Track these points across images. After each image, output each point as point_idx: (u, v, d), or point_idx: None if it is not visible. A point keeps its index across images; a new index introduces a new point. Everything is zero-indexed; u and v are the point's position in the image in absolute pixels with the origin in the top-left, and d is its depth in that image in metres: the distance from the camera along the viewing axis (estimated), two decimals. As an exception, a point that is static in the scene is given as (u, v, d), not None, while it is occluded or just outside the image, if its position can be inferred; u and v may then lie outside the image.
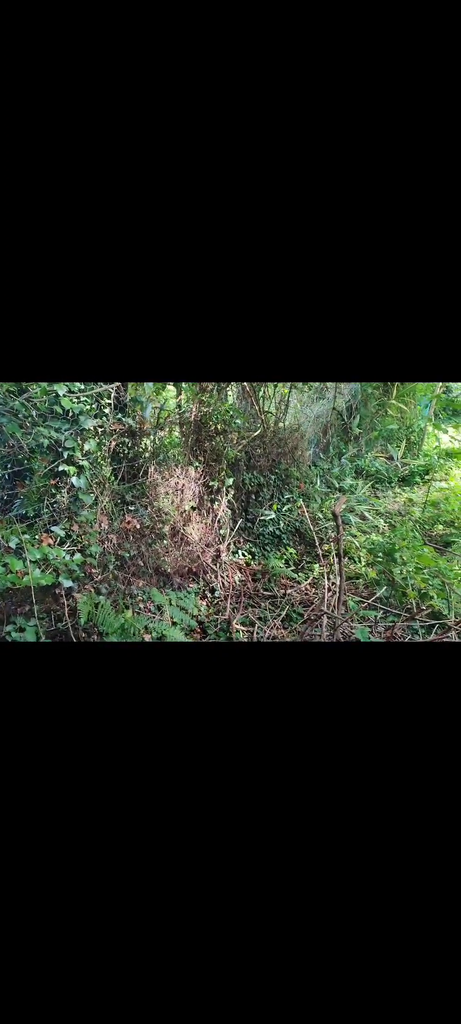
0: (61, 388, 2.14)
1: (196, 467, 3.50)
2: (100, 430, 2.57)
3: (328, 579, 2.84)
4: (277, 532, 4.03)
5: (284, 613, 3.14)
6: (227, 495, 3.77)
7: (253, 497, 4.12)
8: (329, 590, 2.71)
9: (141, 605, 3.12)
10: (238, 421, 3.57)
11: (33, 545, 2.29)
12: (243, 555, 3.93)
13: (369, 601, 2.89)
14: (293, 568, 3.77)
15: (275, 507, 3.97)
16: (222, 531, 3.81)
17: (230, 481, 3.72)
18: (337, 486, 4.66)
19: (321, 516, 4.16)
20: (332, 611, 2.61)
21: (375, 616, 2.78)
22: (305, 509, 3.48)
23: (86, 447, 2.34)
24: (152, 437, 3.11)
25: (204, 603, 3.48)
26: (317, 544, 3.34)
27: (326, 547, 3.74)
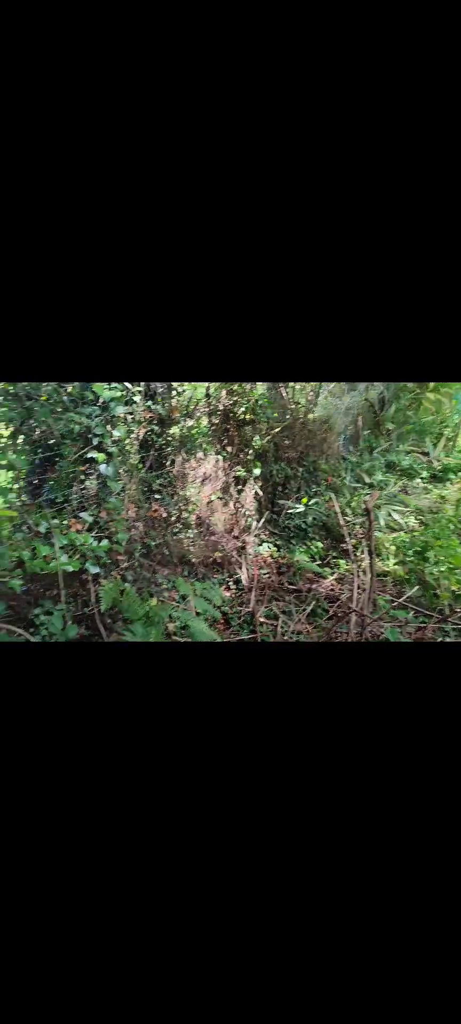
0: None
1: (224, 457, 3.46)
2: (130, 417, 2.56)
3: (357, 576, 2.76)
4: (303, 525, 3.96)
5: (309, 608, 3.08)
6: (254, 486, 3.71)
7: (280, 489, 4.05)
8: (359, 587, 2.63)
9: (166, 594, 3.13)
10: (268, 411, 3.50)
11: (61, 531, 2.31)
12: (268, 547, 3.87)
13: (400, 600, 2.80)
14: (319, 563, 3.69)
15: (305, 500, 3.89)
16: (248, 522, 3.76)
17: (257, 472, 3.67)
18: (367, 480, 4.54)
19: (350, 511, 4.06)
20: (361, 609, 2.54)
21: (405, 616, 2.69)
22: (336, 503, 3.39)
23: (115, 434, 2.33)
24: (180, 425, 3.09)
25: (228, 594, 3.46)
26: (346, 539, 3.26)
27: (354, 542, 3.64)
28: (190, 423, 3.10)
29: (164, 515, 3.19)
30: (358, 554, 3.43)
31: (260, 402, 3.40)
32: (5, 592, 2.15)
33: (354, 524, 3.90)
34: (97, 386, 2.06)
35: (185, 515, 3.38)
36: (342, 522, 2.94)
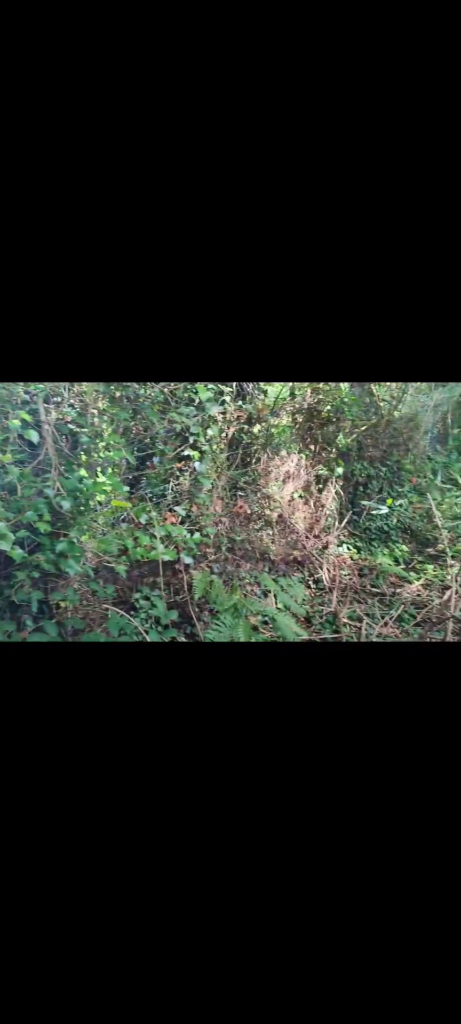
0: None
1: (306, 456, 3.47)
2: (220, 417, 2.68)
3: (456, 581, 2.63)
4: (385, 527, 3.83)
5: (397, 613, 2.99)
6: (335, 485, 3.67)
7: (361, 489, 3.95)
8: (457, 593, 2.51)
9: (248, 588, 3.21)
10: (354, 409, 3.45)
11: (158, 523, 2.48)
12: (348, 548, 3.81)
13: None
14: (403, 566, 3.56)
15: (390, 502, 3.77)
16: (328, 521, 3.73)
17: (340, 470, 3.62)
18: (460, 481, 4.27)
19: (439, 514, 3.85)
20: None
21: None
22: (432, 504, 3.25)
23: (209, 432, 2.45)
24: (265, 424, 3.15)
25: (308, 593, 3.46)
26: (437, 543, 3.11)
27: (441, 547, 3.45)
28: (275, 421, 3.16)
29: (248, 511, 3.27)
30: (450, 559, 3.25)
31: (345, 399, 3.36)
32: (111, 576, 2.36)
33: (444, 527, 3.70)
34: (201, 387, 2.18)
35: (267, 512, 3.44)
36: (439, 523, 2.81)
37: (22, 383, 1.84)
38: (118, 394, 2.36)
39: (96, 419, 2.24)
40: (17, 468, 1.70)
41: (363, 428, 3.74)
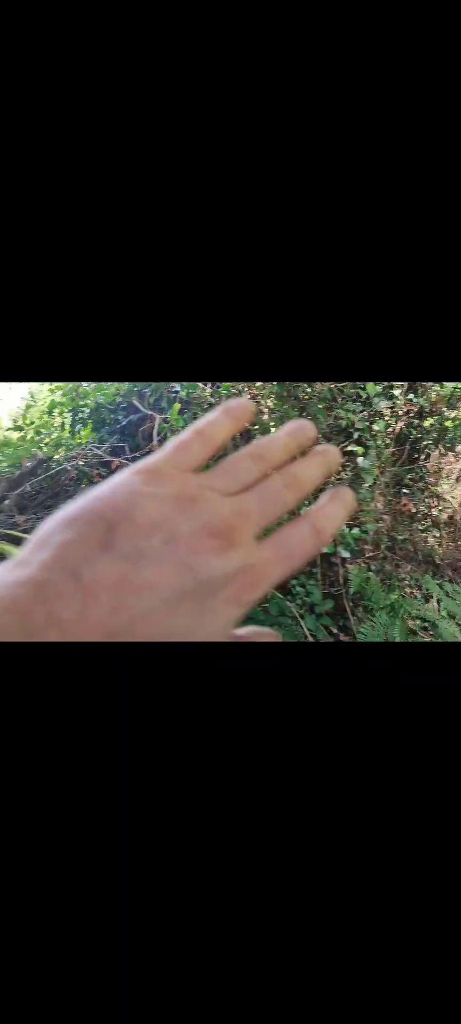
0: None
1: (489, 452, 3.08)
2: (388, 412, 2.61)
3: None
4: None
5: None
6: None
7: None
8: None
9: (407, 589, 3.06)
10: None
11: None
12: None
13: None
14: None
15: None
16: None
17: None
18: None
19: None
20: None
21: None
22: None
23: (375, 428, 2.43)
24: (438, 417, 2.92)
25: (480, 605, 3.09)
26: None
27: None
28: (452, 414, 2.90)
29: (412, 510, 3.10)
30: None
31: None
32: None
33: None
34: (370, 385, 2.19)
35: (435, 512, 3.19)
36: None
37: (209, 389, 2.16)
38: (285, 393, 2.53)
39: (266, 416, 2.46)
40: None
41: None
